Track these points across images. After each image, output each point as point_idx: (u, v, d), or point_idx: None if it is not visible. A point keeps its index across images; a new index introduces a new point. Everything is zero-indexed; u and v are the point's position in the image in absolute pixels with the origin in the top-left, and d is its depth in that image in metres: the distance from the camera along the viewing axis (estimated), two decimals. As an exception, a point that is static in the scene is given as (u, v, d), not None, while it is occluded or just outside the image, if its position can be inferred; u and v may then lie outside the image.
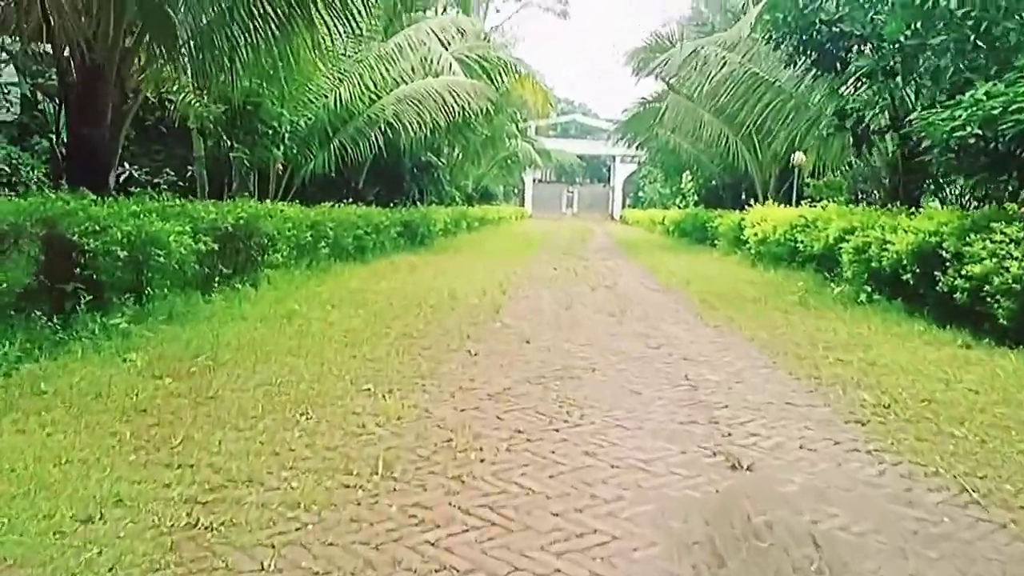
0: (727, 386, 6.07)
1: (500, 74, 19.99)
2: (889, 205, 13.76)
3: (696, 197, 33.55)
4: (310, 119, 14.20)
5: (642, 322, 9.14)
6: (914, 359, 7.13)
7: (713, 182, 31.25)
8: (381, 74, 14.30)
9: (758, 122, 14.76)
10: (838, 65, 12.05)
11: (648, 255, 21.44)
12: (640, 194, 63.62)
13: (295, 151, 14.34)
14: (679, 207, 36.83)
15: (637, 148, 29.83)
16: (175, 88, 12.63)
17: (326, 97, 14.14)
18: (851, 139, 12.67)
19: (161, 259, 7.84)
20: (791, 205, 19.47)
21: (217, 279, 9.69)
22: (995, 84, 8.47)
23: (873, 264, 10.44)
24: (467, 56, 19.31)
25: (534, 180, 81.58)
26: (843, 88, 13.02)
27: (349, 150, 15.11)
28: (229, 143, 11.84)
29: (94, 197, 7.94)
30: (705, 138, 22.16)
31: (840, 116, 12.60)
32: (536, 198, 79.60)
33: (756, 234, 17.23)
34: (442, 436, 4.62)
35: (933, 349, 7.65)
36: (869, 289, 10.63)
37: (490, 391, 5.70)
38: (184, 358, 6.23)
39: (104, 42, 8.91)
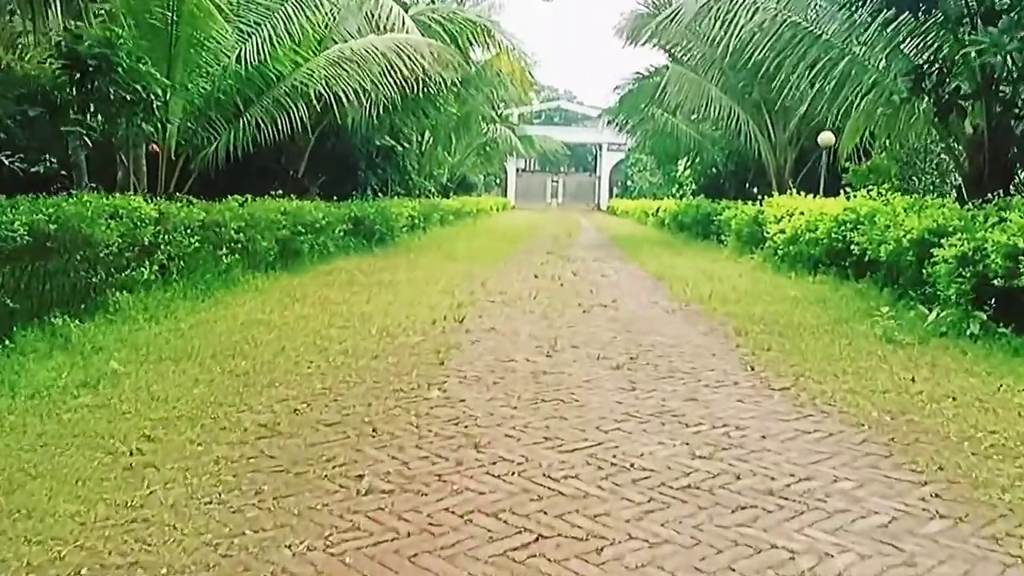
0: (898, 602, 2.76)
1: (470, 40, 16.56)
2: (968, 194, 10.54)
3: (694, 186, 30.29)
4: (206, 86, 10.74)
5: (668, 382, 5.80)
6: None
7: (714, 169, 28.00)
8: (302, 26, 10.84)
9: (800, 86, 11.41)
10: (920, 5, 8.73)
11: (648, 254, 18.11)
12: (629, 183, 60.41)
13: (189, 127, 10.87)
14: (675, 197, 33.59)
15: (629, 132, 26.50)
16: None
17: (227, 56, 10.68)
18: (932, 106, 9.37)
19: None
20: (816, 195, 16.22)
21: (17, 319, 6.33)
22: None
23: (995, 282, 7.17)
24: (429, 17, 15.91)
25: (517, 170, 78.32)
26: (915, 38, 9.74)
27: (267, 128, 11.63)
28: (71, 113, 8.39)
29: None
30: (712, 117, 18.83)
31: (916, 76, 9.29)
32: (519, 188, 76.26)
33: (783, 231, 13.94)
34: None
35: None
36: (983, 316, 7.36)
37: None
38: None
39: None
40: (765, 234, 15.16)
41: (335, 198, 17.20)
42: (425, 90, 16.11)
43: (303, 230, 13.29)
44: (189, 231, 9.33)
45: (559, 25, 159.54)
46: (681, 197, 31.26)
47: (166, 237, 8.78)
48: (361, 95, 12.15)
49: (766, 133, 19.95)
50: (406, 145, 21.67)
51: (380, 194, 22.59)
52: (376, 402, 5.07)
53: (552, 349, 6.92)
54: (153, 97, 8.52)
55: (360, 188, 20.88)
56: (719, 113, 18.72)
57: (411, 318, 8.28)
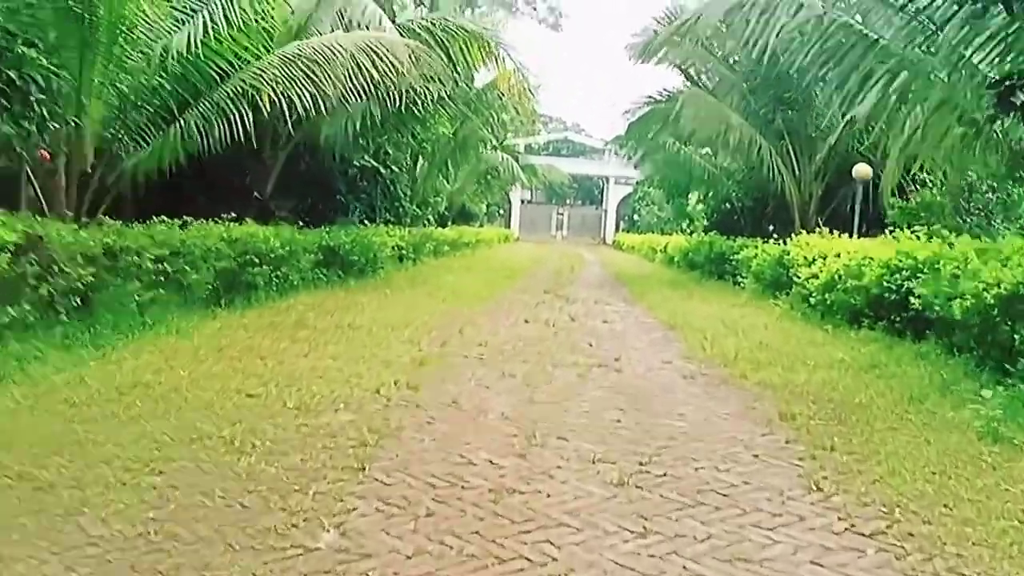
0: None
1: (463, 51, 14.76)
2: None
3: (706, 221, 28.38)
4: (127, 82, 8.85)
5: (698, 516, 3.77)
6: None
7: (728, 204, 26.09)
8: (243, 10, 8.92)
9: (833, 111, 9.54)
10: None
11: (657, 295, 16.14)
12: (636, 217, 58.58)
13: (109, 134, 8.97)
14: (685, 232, 31.69)
15: (638, 162, 24.66)
16: None
17: (153, 47, 8.77)
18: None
19: None
20: (850, 234, 14.30)
21: None
22: None
23: None
24: (417, 23, 14.13)
25: (522, 201, 76.75)
26: (999, 43, 7.85)
27: (206, 138, 9.66)
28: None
29: None
30: (731, 146, 16.93)
31: (1004, 91, 7.37)
32: (524, 220, 74.53)
33: (816, 275, 11.97)
34: None
35: None
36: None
37: None
38: None
39: None
40: (793, 278, 13.21)
41: (309, 224, 15.36)
42: (412, 106, 14.32)
43: (257, 260, 11.39)
44: (85, 260, 7.40)
45: (569, 58, 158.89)
46: (691, 233, 29.34)
47: (46, 268, 6.85)
48: (325, 104, 10.25)
49: (790, 166, 18.06)
50: (395, 168, 19.83)
51: (367, 221, 20.78)
52: (222, 559, 3.08)
53: (530, 442, 4.92)
54: (35, 89, 6.62)
55: (341, 214, 19.06)
56: (739, 141, 16.84)
57: (352, 381, 6.32)
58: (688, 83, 18.67)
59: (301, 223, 15.13)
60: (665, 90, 19.82)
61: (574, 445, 4.90)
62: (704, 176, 23.23)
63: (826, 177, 18.35)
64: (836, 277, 11.28)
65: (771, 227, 23.77)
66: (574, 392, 6.51)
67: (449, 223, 34.59)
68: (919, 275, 8.97)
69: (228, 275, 10.73)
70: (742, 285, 17.51)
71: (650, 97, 19.88)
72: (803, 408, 6.07)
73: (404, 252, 21.84)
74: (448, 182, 32.68)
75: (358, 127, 13.03)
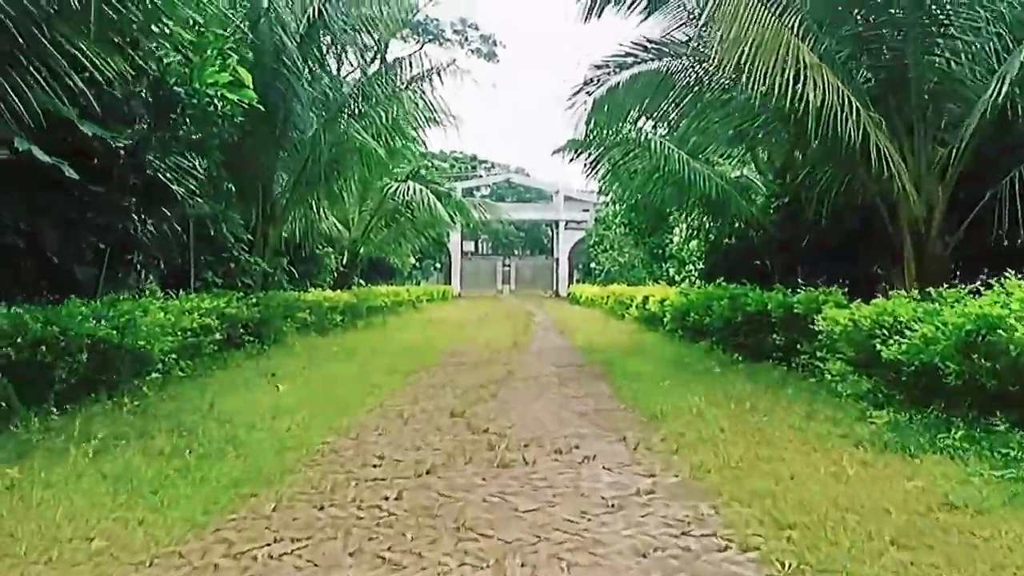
0: None
1: None
2: None
3: (701, 264, 20.00)
4: None
5: None
6: None
7: (732, 238, 17.75)
8: None
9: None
10: None
11: (690, 417, 7.46)
12: (593, 265, 50.23)
13: None
14: (667, 280, 23.33)
15: (605, 178, 16.26)
16: None
17: None
18: None
19: None
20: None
21: None
22: None
23: None
24: None
25: (467, 253, 68.53)
26: None
27: None
28: None
29: None
30: (812, 105, 8.40)
31: None
32: (465, 274, 65.96)
33: None
34: None
35: None
36: None
37: None
38: None
39: None
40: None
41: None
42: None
43: None
44: None
45: (512, 101, 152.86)
46: (683, 281, 20.98)
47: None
48: None
49: (899, 144, 9.79)
50: (197, 193, 11.01)
51: (161, 288, 11.97)
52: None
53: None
54: None
55: (83, 276, 10.23)
56: (816, 96, 8.43)
57: None
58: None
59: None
60: (651, 42, 11.43)
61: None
62: (707, 191, 14.85)
63: (956, 175, 10.09)
64: None
65: (810, 267, 15.50)
66: None
67: (353, 282, 25.75)
68: None
69: None
70: (827, 377, 9.07)
71: (628, 52, 11.41)
72: None
73: (242, 333, 13.15)
74: (345, 226, 24.04)
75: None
